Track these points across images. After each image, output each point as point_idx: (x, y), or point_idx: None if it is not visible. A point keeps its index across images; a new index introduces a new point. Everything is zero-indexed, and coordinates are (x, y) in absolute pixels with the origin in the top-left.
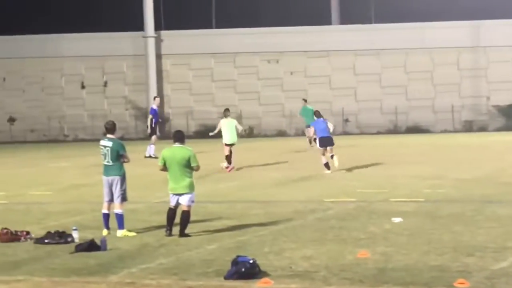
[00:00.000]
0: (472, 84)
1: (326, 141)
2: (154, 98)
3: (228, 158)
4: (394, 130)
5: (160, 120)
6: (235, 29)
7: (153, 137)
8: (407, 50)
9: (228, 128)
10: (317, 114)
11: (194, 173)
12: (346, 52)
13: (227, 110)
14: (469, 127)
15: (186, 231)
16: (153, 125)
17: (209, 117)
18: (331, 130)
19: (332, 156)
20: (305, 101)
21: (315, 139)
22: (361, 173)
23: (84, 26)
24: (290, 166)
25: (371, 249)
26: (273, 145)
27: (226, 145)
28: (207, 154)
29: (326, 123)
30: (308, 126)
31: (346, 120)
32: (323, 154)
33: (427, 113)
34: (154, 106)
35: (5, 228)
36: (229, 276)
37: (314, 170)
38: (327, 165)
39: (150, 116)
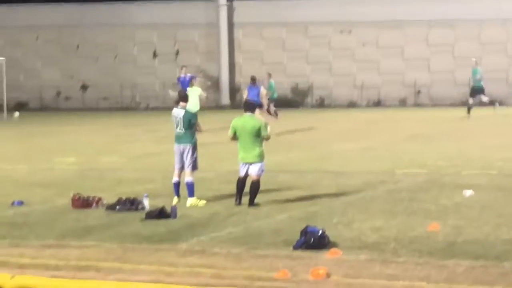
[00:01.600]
0: None
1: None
2: (182, 67)
3: None
4: (468, 103)
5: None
6: None
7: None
8: (482, 21)
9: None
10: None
11: (264, 142)
12: (419, 23)
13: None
14: None
15: (256, 200)
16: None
17: (281, 87)
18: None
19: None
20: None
21: None
22: (433, 145)
23: None
24: (361, 137)
25: (442, 221)
26: (344, 116)
27: None
28: (278, 123)
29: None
30: None
31: (418, 92)
32: None
33: (501, 85)
34: (182, 75)
35: (78, 194)
36: (298, 246)
37: (386, 142)
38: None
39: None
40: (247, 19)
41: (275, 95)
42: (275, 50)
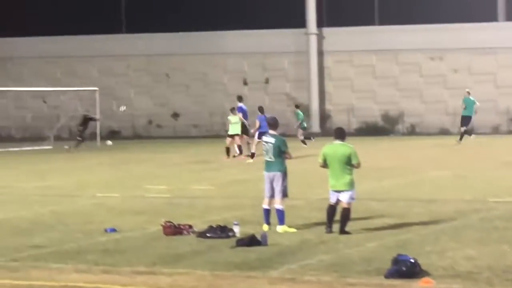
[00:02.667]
0: None
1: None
2: (241, 97)
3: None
4: None
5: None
6: (397, 26)
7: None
8: None
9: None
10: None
11: (355, 170)
12: None
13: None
14: None
15: (346, 228)
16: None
17: (371, 114)
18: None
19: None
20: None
21: None
22: None
23: (246, 23)
24: (454, 165)
25: None
26: (435, 143)
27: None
28: (368, 151)
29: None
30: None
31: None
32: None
33: None
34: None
35: (169, 222)
36: (390, 274)
37: (478, 169)
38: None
39: (240, 115)
40: (336, 47)
41: (305, 124)
42: (365, 77)
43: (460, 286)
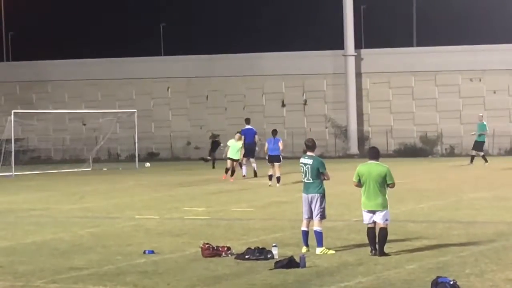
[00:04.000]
0: None
1: (272, 158)
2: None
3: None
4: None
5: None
6: (436, 47)
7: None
8: None
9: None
10: (274, 133)
11: (395, 192)
12: None
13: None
14: None
15: (385, 249)
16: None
17: (409, 136)
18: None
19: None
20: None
21: None
22: None
23: (285, 44)
24: (493, 186)
25: None
26: (475, 165)
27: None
28: (407, 173)
29: (278, 142)
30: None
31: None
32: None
33: None
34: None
35: (207, 243)
36: None
37: None
38: (270, 177)
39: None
40: (374, 68)
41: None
42: (403, 99)
43: None
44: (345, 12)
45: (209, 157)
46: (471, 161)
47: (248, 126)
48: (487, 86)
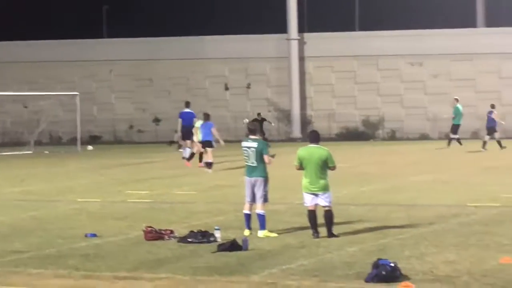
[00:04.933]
0: None
1: (204, 143)
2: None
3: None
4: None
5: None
6: (378, 32)
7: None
8: None
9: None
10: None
11: (336, 175)
12: (491, 56)
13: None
14: None
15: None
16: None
17: (352, 119)
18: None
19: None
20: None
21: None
22: (507, 177)
23: (228, 28)
24: (434, 170)
25: None
26: (416, 148)
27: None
28: (349, 157)
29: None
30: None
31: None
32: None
33: None
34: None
35: (150, 227)
36: (370, 279)
37: (458, 174)
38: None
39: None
40: (318, 52)
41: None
42: (346, 83)
43: None
44: None
45: (175, 140)
46: (459, 143)
47: (187, 109)
48: (428, 71)
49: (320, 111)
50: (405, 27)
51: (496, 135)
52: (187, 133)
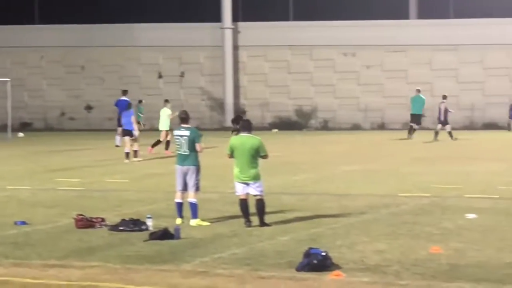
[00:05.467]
0: None
1: (125, 132)
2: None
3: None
4: (470, 126)
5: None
6: (312, 22)
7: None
8: (485, 46)
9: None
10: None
11: (269, 164)
12: (424, 47)
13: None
14: None
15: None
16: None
17: (285, 109)
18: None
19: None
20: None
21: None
22: (437, 168)
23: (162, 16)
24: (365, 160)
25: (444, 244)
26: (348, 139)
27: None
28: (281, 146)
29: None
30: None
31: (422, 115)
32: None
33: (504, 110)
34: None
35: (81, 215)
36: (301, 267)
37: (389, 165)
38: (126, 155)
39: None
40: (252, 42)
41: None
42: (279, 73)
43: (370, 279)
44: None
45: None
46: (409, 132)
47: (123, 98)
48: (361, 62)
49: (253, 100)
50: (339, 17)
51: (448, 127)
52: (119, 121)
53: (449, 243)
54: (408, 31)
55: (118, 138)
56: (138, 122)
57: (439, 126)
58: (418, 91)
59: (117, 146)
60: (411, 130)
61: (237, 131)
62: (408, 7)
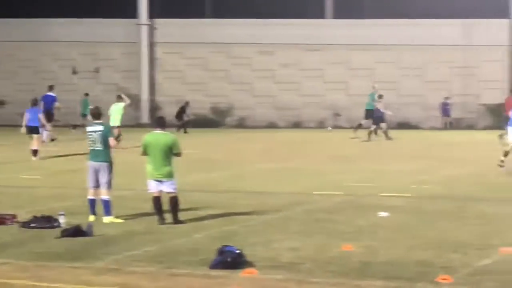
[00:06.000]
0: (463, 82)
1: (31, 129)
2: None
3: None
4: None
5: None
6: (229, 20)
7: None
8: (400, 47)
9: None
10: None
11: (184, 162)
12: (339, 46)
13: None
14: (457, 125)
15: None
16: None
17: (201, 107)
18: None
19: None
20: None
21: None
22: (351, 167)
23: (78, 11)
24: (280, 158)
25: (357, 242)
26: (264, 137)
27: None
28: (197, 143)
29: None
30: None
31: (337, 114)
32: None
33: (417, 110)
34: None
35: None
36: (215, 265)
37: (304, 163)
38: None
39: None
40: (168, 38)
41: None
42: (196, 70)
43: (282, 276)
44: None
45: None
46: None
47: (49, 93)
48: (278, 60)
49: (169, 97)
50: (257, 16)
51: (383, 125)
52: (47, 116)
53: (361, 241)
54: (324, 31)
55: (45, 133)
56: (85, 115)
57: (373, 125)
58: (373, 88)
59: (43, 141)
60: (359, 126)
61: (182, 127)
62: (324, 6)
